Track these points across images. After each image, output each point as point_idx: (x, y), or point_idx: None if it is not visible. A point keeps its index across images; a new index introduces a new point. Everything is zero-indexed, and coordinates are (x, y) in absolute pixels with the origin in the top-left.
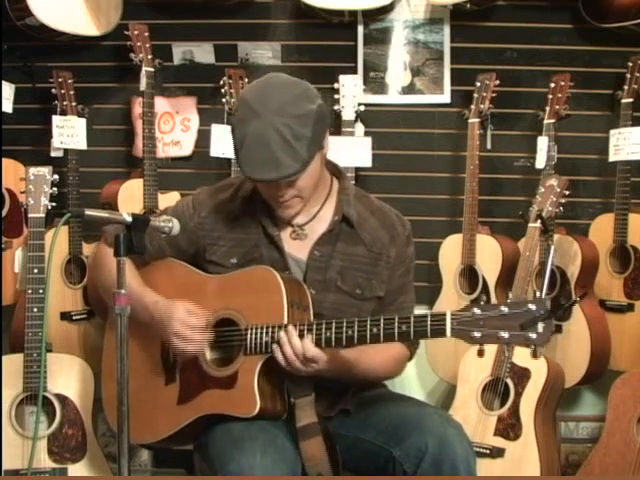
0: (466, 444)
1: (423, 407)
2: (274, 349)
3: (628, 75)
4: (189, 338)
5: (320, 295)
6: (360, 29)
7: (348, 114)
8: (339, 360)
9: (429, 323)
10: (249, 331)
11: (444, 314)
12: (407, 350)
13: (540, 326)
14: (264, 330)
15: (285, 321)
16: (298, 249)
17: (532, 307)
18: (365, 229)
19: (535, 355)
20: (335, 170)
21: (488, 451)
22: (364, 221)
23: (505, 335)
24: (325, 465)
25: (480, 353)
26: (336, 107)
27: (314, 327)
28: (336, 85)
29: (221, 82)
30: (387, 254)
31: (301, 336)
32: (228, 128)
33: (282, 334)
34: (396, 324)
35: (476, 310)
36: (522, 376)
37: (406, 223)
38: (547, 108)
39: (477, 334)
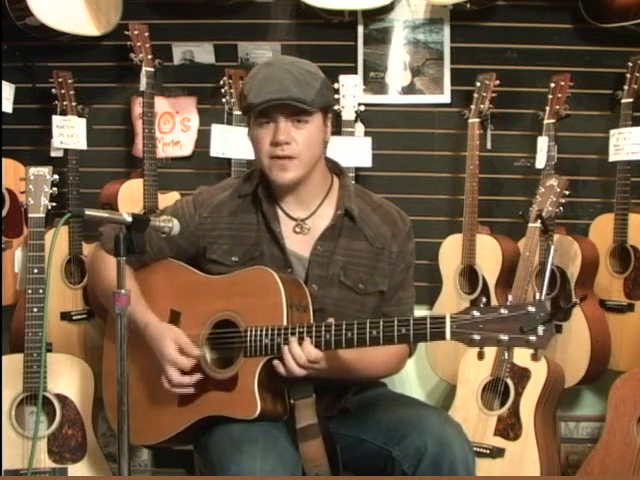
0: (465, 444)
1: (422, 407)
2: (275, 365)
3: (628, 75)
4: (176, 382)
5: (323, 290)
6: (360, 29)
7: (348, 114)
8: (340, 359)
9: (429, 326)
10: (249, 333)
11: (443, 317)
12: (406, 347)
13: (540, 329)
14: (264, 332)
15: (284, 323)
16: (300, 246)
17: (532, 309)
18: (367, 224)
19: (536, 358)
20: (335, 168)
21: (488, 451)
22: (366, 216)
23: (505, 338)
24: (324, 467)
25: (480, 356)
26: (336, 107)
27: (313, 330)
28: (336, 85)
29: (221, 82)
30: (389, 249)
31: (300, 339)
32: (228, 128)
33: (284, 349)
34: (395, 327)
35: (475, 313)
36: (522, 376)
37: (406, 219)
38: (547, 108)
39: (477, 337)
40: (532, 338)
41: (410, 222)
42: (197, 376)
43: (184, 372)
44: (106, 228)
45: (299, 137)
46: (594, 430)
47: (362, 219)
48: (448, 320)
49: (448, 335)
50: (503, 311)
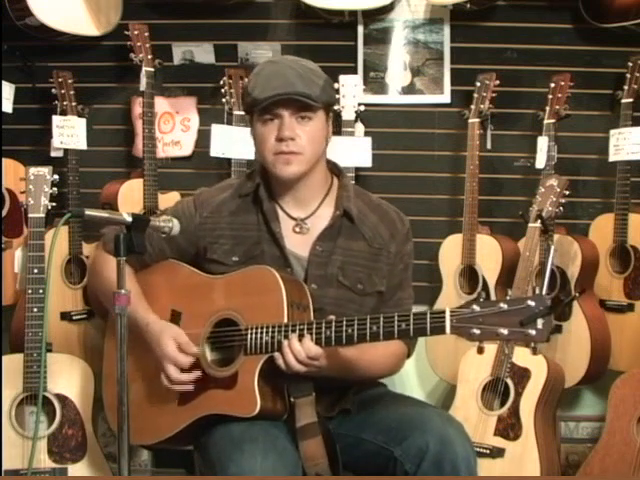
0: (467, 444)
1: (424, 407)
2: (275, 357)
3: (628, 75)
4: (175, 379)
5: (322, 290)
6: (360, 29)
7: (348, 114)
8: (340, 357)
9: (428, 321)
10: (249, 331)
11: (443, 311)
12: (405, 347)
13: (539, 322)
14: (264, 330)
15: (285, 321)
16: (299, 246)
17: (531, 303)
18: (365, 224)
19: (535, 352)
20: (334, 168)
21: (488, 451)
22: (364, 217)
23: (504, 332)
24: (324, 465)
25: (480, 350)
26: (336, 107)
27: (314, 326)
28: (336, 85)
29: (221, 82)
30: (387, 250)
31: (301, 336)
32: (228, 128)
33: (284, 343)
34: (396, 322)
35: (475, 307)
36: (522, 376)
37: (405, 220)
38: (547, 108)
39: (476, 331)
40: (531, 332)
41: (409, 223)
42: (196, 373)
43: (183, 370)
44: (108, 229)
45: (303, 134)
46: (594, 430)
47: (360, 219)
48: (448, 314)
49: (448, 329)
50: (503, 305)
